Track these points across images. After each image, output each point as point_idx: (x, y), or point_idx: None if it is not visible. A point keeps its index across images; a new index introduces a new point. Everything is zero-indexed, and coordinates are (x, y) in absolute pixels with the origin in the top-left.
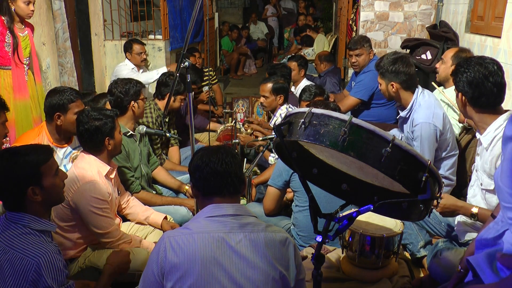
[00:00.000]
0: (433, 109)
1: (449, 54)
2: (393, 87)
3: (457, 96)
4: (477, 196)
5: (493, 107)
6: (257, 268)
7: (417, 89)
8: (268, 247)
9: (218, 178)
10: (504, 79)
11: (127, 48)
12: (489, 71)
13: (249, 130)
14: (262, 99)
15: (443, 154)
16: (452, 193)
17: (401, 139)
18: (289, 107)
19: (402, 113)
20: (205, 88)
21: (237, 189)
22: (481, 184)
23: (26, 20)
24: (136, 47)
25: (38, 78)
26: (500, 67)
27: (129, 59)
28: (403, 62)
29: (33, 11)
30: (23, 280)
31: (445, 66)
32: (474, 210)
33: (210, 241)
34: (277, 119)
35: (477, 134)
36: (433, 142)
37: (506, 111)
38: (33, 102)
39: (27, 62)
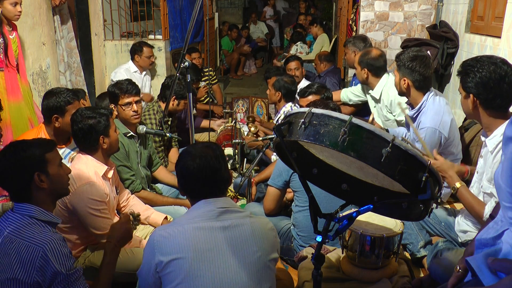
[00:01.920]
0: (442, 116)
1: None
2: (404, 83)
3: (466, 97)
4: (479, 197)
5: (506, 109)
6: (247, 253)
7: (429, 92)
8: (254, 232)
9: (205, 186)
10: None
11: (136, 50)
12: (504, 72)
13: (252, 129)
14: (268, 91)
15: (447, 158)
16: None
17: (406, 136)
18: (295, 106)
19: (410, 112)
20: (202, 83)
21: (223, 191)
22: (482, 187)
23: (13, 22)
24: (146, 50)
25: (25, 79)
26: (511, 67)
27: (137, 61)
28: (421, 62)
29: (20, 12)
30: (30, 266)
31: (357, 71)
32: (457, 184)
33: (199, 230)
34: (280, 116)
35: (482, 137)
36: (435, 148)
37: None
38: (25, 102)
39: (16, 63)
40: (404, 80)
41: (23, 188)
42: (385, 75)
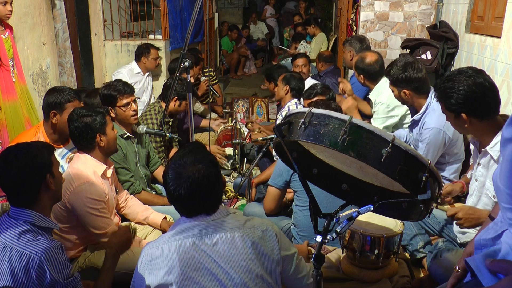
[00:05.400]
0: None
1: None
2: (406, 95)
3: (456, 117)
4: (478, 206)
5: (498, 114)
6: (237, 267)
7: (431, 92)
8: (246, 244)
9: (197, 207)
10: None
11: (144, 52)
12: (483, 79)
13: (257, 131)
14: (271, 86)
15: (450, 159)
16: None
17: (408, 140)
18: (300, 104)
19: (416, 117)
20: (203, 78)
21: (215, 208)
22: (494, 197)
23: (5, 21)
24: (153, 52)
25: (22, 79)
26: (484, 73)
27: (143, 63)
28: (413, 68)
29: (10, 11)
30: (26, 276)
31: (356, 76)
32: None
33: (186, 247)
34: (285, 110)
35: (472, 147)
36: (439, 148)
37: (504, 118)
38: (22, 102)
39: (12, 63)
40: (405, 92)
41: (32, 191)
42: (384, 79)
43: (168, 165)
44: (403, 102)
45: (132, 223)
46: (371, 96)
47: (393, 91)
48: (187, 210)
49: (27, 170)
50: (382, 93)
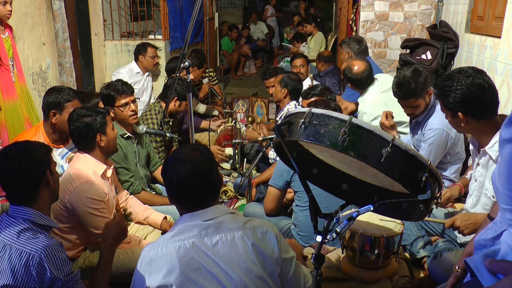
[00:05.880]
0: None
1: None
2: (430, 95)
3: (453, 116)
4: (478, 206)
5: (496, 114)
6: (238, 268)
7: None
8: (246, 245)
9: (197, 193)
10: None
11: (140, 51)
12: (482, 80)
13: (258, 120)
14: (271, 89)
15: (452, 159)
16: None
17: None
18: (299, 105)
19: (419, 118)
20: (205, 80)
21: (215, 196)
22: (493, 197)
23: (5, 21)
24: (150, 50)
25: (22, 79)
26: (484, 73)
27: (141, 61)
28: (420, 71)
29: (10, 11)
30: (26, 274)
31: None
32: None
33: (186, 248)
34: (284, 113)
35: (472, 147)
36: (442, 149)
37: (502, 118)
38: (22, 102)
39: (12, 63)
40: (430, 93)
41: (33, 187)
42: (372, 86)
43: (166, 160)
44: (424, 109)
45: (134, 211)
46: (359, 101)
47: (417, 106)
48: (187, 197)
49: (28, 165)
50: (365, 100)
